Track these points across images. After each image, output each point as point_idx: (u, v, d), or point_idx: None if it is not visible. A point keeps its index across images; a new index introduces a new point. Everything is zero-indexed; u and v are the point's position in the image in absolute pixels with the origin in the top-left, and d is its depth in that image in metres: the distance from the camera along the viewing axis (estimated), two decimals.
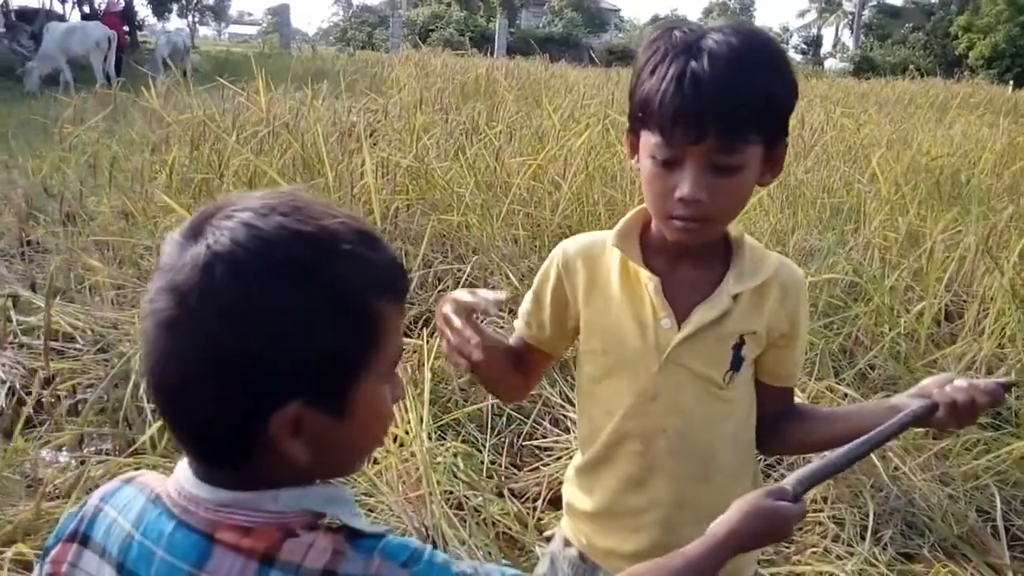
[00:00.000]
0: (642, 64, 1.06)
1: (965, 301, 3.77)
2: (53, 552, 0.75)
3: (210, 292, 0.62)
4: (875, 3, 49.25)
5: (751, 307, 1.13)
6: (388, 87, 8.53)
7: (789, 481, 0.95)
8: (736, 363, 1.14)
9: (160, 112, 5.39)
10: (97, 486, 0.86)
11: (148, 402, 2.55)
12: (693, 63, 1.00)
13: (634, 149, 1.11)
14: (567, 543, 1.30)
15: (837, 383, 2.88)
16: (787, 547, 2.32)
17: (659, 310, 1.12)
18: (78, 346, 3.14)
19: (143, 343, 0.67)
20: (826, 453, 1.03)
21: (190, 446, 0.69)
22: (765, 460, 2.51)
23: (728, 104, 0.99)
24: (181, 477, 0.71)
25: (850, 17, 49.94)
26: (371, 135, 5.42)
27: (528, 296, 1.27)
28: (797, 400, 1.28)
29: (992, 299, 3.43)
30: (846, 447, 1.00)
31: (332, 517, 0.68)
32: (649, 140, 1.06)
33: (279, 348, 0.63)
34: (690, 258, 1.14)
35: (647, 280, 1.12)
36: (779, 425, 1.22)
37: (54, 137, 5.69)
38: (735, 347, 1.13)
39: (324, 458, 0.69)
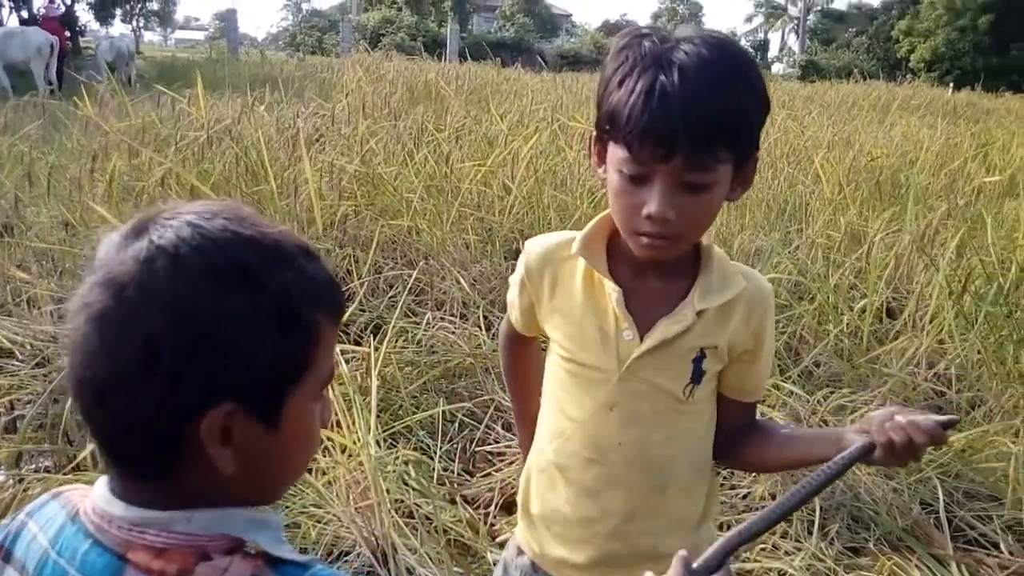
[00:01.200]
0: (610, 74, 1.01)
1: (905, 298, 3.86)
2: None
3: (150, 285, 0.61)
4: (820, 8, 50.39)
5: (714, 323, 1.11)
6: (337, 92, 8.45)
7: (702, 559, 0.86)
8: (697, 376, 1.12)
9: (98, 120, 5.25)
10: None
11: None
12: (662, 77, 0.95)
13: (601, 158, 1.07)
14: (520, 551, 1.28)
15: (783, 381, 2.92)
16: None
17: (621, 321, 1.10)
18: (16, 361, 3.05)
19: (71, 341, 0.65)
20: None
21: (112, 452, 0.67)
22: (722, 473, 2.51)
23: (698, 121, 0.94)
24: (97, 494, 0.69)
25: (796, 22, 50.98)
26: (318, 140, 5.36)
27: (510, 286, 1.26)
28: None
29: (930, 295, 3.51)
30: (762, 514, 0.92)
31: (252, 543, 0.66)
32: (616, 154, 1.02)
33: (217, 347, 0.62)
34: (656, 269, 1.11)
35: (610, 291, 1.10)
36: (738, 441, 1.19)
37: None
38: (696, 360, 1.11)
39: (249, 473, 0.67)
